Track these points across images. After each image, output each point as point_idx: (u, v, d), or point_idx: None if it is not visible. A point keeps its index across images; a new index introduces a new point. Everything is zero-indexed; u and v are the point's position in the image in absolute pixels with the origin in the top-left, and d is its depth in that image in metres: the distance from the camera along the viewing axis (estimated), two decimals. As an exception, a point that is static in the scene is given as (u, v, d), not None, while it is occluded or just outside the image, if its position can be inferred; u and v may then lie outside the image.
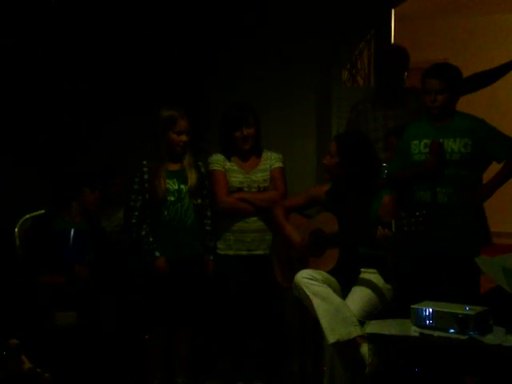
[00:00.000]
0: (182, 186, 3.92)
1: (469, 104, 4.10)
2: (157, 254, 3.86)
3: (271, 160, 4.07)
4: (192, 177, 3.92)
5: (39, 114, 4.79)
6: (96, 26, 4.95)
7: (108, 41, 5.02)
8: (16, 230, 4.28)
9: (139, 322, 4.06)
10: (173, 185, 3.90)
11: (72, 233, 4.22)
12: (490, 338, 2.89)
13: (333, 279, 3.51)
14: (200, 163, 4.02)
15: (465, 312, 2.95)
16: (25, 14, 4.64)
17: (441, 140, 3.68)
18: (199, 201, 3.95)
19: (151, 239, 3.87)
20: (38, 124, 4.77)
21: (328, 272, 3.52)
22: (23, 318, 3.91)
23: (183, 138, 3.89)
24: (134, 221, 3.89)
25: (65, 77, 4.86)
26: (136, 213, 3.89)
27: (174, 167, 3.94)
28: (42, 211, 4.33)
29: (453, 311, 2.97)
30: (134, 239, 3.92)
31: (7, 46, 4.58)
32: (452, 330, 2.94)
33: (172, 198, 3.88)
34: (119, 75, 5.09)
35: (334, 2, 5.08)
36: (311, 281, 3.42)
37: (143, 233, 3.88)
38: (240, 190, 4.01)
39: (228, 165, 4.03)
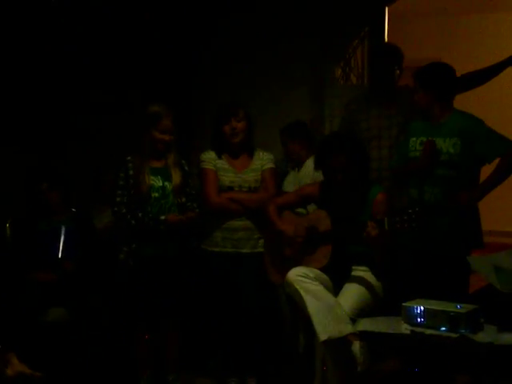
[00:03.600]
0: (166, 183, 3.90)
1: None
2: (162, 217, 3.83)
3: (263, 160, 4.05)
4: (176, 176, 3.91)
5: (28, 109, 4.77)
6: (86, 24, 4.93)
7: (96, 38, 5.01)
8: (7, 225, 4.28)
9: (129, 318, 4.05)
10: (157, 181, 3.89)
11: (63, 230, 4.22)
12: (481, 336, 2.90)
13: (325, 276, 3.51)
14: (183, 161, 4.01)
15: (456, 310, 2.95)
16: (24, 13, 4.63)
17: (433, 139, 3.69)
18: (183, 199, 3.94)
19: (146, 217, 3.82)
20: (27, 121, 4.75)
21: (320, 269, 3.52)
22: (14, 315, 3.90)
23: (166, 137, 3.88)
24: (124, 211, 3.86)
25: (53, 72, 4.84)
26: (123, 208, 3.86)
27: (157, 164, 3.93)
28: (26, 210, 4.33)
29: (444, 309, 2.98)
30: (128, 229, 3.87)
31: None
32: (443, 328, 2.95)
33: (156, 195, 3.87)
34: (109, 69, 5.09)
35: (327, 0, 5.08)
36: (303, 278, 3.41)
37: (133, 222, 3.84)
38: (231, 189, 3.99)
39: (219, 163, 4.01)
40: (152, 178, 3.87)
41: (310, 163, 4.45)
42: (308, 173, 4.41)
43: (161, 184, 3.89)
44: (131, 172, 3.87)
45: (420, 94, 3.76)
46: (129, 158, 3.91)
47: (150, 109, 3.89)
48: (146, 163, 3.88)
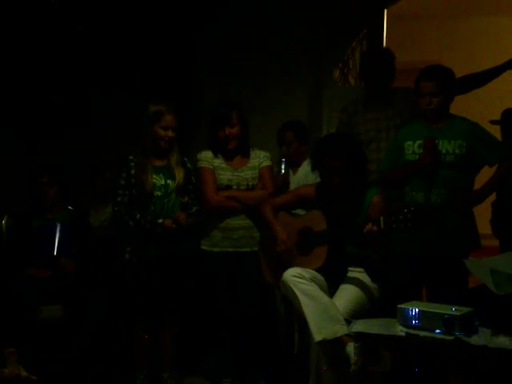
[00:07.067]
0: (169, 182, 3.88)
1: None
2: (159, 220, 3.82)
3: (260, 158, 4.06)
4: (179, 174, 3.89)
5: (27, 107, 4.78)
6: (86, 22, 4.94)
7: (99, 36, 5.01)
8: (3, 222, 4.28)
9: (125, 316, 4.05)
10: (159, 180, 3.87)
11: (58, 227, 4.22)
12: (475, 339, 2.90)
13: (320, 277, 3.51)
14: (186, 159, 4.00)
15: (451, 313, 2.95)
16: (24, 12, 4.63)
17: (436, 141, 3.69)
18: (186, 199, 3.93)
19: (143, 219, 3.81)
20: (25, 118, 4.76)
21: (316, 270, 3.52)
22: (9, 312, 3.90)
23: (169, 133, 3.87)
24: (123, 211, 3.83)
25: (54, 69, 4.85)
26: (123, 208, 3.84)
27: (160, 163, 3.91)
28: (22, 207, 4.33)
29: (439, 312, 2.97)
30: (127, 230, 3.86)
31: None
32: (438, 331, 2.94)
33: (158, 193, 3.86)
34: (110, 69, 5.09)
35: (326, 1, 5.08)
36: (299, 279, 3.41)
37: (131, 223, 3.83)
38: (229, 187, 3.99)
39: (217, 162, 4.01)
40: (154, 176, 3.86)
41: (306, 165, 4.46)
42: (303, 176, 4.42)
43: (163, 182, 3.87)
44: (133, 171, 3.86)
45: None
46: (131, 157, 3.90)
47: (151, 107, 3.88)
48: (148, 162, 3.86)
